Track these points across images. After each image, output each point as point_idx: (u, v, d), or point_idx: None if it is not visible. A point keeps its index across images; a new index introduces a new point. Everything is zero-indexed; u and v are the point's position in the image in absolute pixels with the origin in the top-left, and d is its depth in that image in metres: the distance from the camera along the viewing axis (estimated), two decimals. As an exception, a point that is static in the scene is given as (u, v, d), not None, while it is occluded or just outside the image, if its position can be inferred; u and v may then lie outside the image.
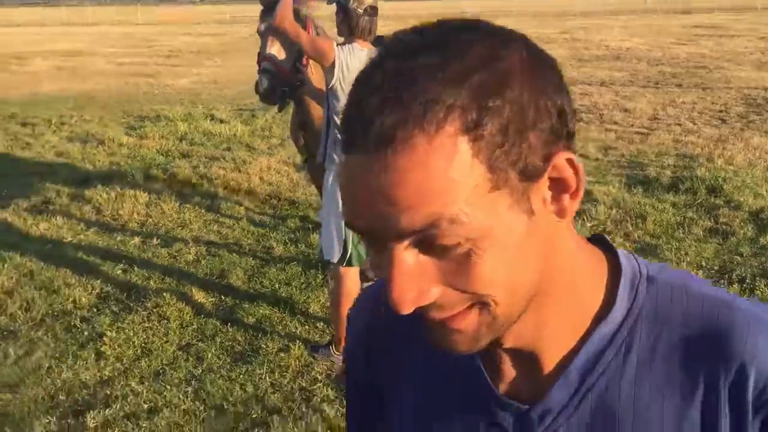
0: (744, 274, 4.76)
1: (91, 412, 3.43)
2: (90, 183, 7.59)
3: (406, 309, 0.63)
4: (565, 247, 0.71)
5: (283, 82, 4.30)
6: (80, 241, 5.95)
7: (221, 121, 11.47)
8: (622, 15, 53.97)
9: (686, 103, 12.68)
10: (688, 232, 5.85)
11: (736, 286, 4.59)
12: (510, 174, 0.62)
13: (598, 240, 0.80)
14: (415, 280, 0.63)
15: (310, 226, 6.15)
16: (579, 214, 6.26)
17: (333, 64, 3.44)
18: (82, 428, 3.32)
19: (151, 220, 6.48)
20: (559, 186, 0.66)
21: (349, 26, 3.53)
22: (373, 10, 3.54)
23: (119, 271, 5.21)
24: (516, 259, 0.65)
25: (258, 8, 4.51)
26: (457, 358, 0.74)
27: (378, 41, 3.82)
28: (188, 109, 12.86)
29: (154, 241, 5.88)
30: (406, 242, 0.62)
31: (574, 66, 19.45)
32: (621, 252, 0.77)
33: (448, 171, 0.59)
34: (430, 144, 0.59)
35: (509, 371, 0.77)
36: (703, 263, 5.13)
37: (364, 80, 0.63)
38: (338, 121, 3.56)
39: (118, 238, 5.98)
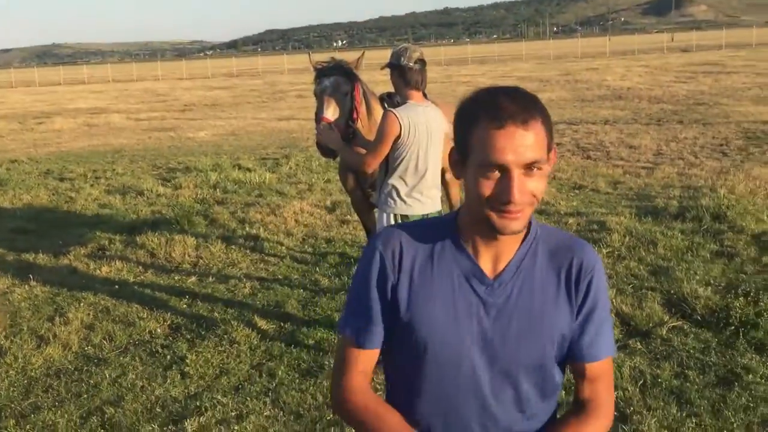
0: (749, 289, 5.28)
1: (188, 419, 3.97)
2: (138, 230, 8.18)
3: (517, 199, 1.42)
4: None
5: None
6: (142, 281, 6.54)
7: (248, 170, 12.13)
8: (624, 56, 55.06)
9: (688, 139, 13.32)
10: (696, 255, 6.41)
11: (741, 299, 5.10)
12: (550, 147, 1.49)
13: None
14: (522, 187, 1.43)
15: (350, 261, 6.74)
16: (595, 242, 6.83)
17: (400, 132, 4.05)
18: (183, 432, 3.85)
19: (202, 260, 7.07)
20: (550, 158, 1.50)
21: (405, 80, 4.12)
22: (421, 63, 4.15)
23: (184, 305, 5.78)
24: (546, 185, 1.49)
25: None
26: (454, 253, 1.57)
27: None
28: (214, 160, 13.53)
29: (210, 278, 6.47)
30: (521, 169, 1.43)
31: (577, 107, 20.18)
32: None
33: (543, 137, 1.46)
34: (538, 124, 1.45)
35: (484, 261, 1.57)
36: (711, 281, 5.67)
37: (505, 94, 1.47)
38: (402, 170, 4.15)
39: (176, 278, 6.57)
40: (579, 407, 1.61)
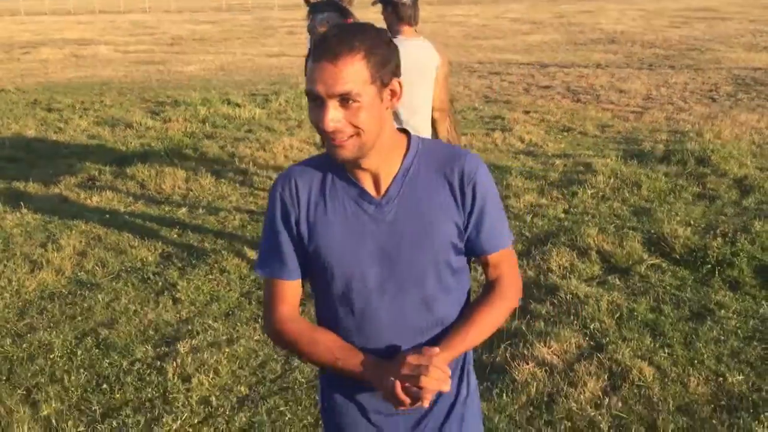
0: (727, 230, 5.43)
1: (180, 342, 4.11)
2: (128, 162, 8.21)
3: (330, 128, 1.56)
4: (389, 122, 1.69)
5: None
6: (133, 211, 6.61)
7: (238, 105, 12.08)
8: (616, -2, 54.45)
9: (678, 84, 13.34)
10: (679, 197, 6.54)
11: (719, 239, 5.25)
12: (377, 80, 1.58)
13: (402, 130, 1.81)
14: (336, 117, 1.56)
15: (340, 195, 6.83)
16: (581, 183, 6.95)
17: None
18: (175, 354, 3.99)
19: (192, 193, 7.13)
20: (393, 93, 1.64)
21: (398, 15, 4.14)
22: None
23: (175, 235, 5.88)
24: (374, 116, 1.60)
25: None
26: (342, 184, 1.71)
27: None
28: (203, 94, 13.45)
29: (200, 210, 6.55)
30: (335, 100, 1.55)
31: (570, 50, 20.08)
32: (412, 134, 1.79)
33: (358, 71, 1.55)
34: (353, 60, 1.54)
35: (367, 184, 1.71)
36: (692, 222, 5.81)
37: (331, 33, 1.57)
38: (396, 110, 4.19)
39: (166, 209, 6.65)
40: (486, 289, 1.82)
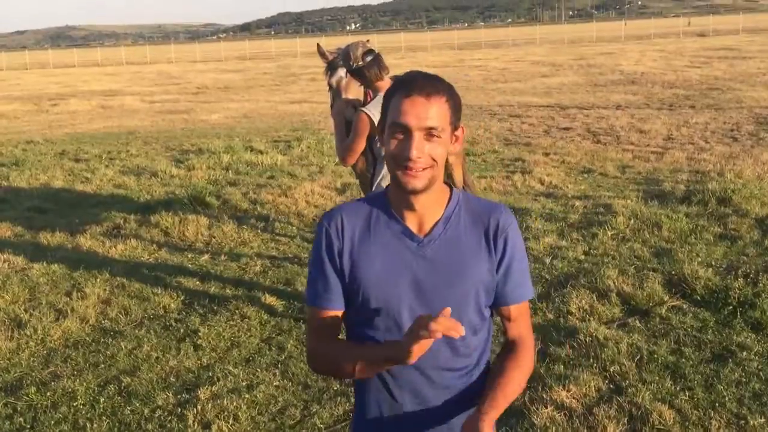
0: (749, 271, 5.39)
1: (201, 388, 4.14)
2: (152, 210, 8.36)
3: (416, 156, 1.70)
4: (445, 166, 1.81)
5: None
6: (156, 258, 6.71)
7: (260, 152, 12.27)
8: (638, 40, 54.65)
9: (699, 124, 13.34)
10: (700, 237, 6.51)
11: (741, 280, 5.21)
12: (452, 123, 1.78)
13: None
14: (421, 147, 1.71)
15: (360, 240, 6.89)
16: (601, 224, 6.95)
17: (372, 130, 4.17)
18: (196, 401, 4.02)
19: (214, 240, 7.23)
20: (456, 138, 1.82)
21: (370, 77, 4.23)
22: (370, 52, 4.24)
23: (197, 282, 5.95)
24: (445, 153, 1.77)
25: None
26: (386, 221, 1.84)
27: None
28: (227, 142, 13.69)
29: (222, 257, 6.64)
30: (422, 133, 1.71)
31: (589, 91, 20.17)
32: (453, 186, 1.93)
33: (444, 111, 1.75)
34: (440, 100, 1.73)
35: (411, 224, 1.83)
36: (713, 263, 5.77)
37: (418, 75, 1.77)
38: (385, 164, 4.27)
39: (189, 255, 6.74)
40: (511, 345, 1.92)
